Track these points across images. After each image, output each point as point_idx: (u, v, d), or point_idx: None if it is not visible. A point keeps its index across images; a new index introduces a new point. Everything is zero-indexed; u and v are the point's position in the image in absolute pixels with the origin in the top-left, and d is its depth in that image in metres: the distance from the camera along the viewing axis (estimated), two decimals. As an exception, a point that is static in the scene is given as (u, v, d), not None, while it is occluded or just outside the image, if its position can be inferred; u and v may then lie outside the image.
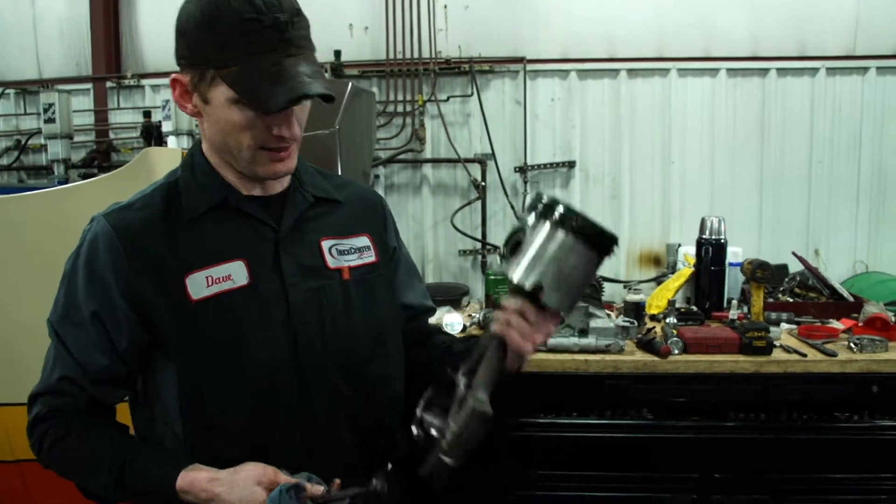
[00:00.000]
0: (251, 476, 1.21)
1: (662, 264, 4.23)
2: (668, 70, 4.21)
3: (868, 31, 4.15)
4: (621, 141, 4.27)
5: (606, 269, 4.18)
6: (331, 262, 1.40)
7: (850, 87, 4.18)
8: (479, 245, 4.31)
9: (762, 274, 2.93)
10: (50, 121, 4.18)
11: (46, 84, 4.59)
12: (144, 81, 4.56)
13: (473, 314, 3.41)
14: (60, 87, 4.47)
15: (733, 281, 3.33)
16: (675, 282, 3.45)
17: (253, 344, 1.30)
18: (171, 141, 3.87)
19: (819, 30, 4.16)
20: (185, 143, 3.83)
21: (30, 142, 4.61)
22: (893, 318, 2.84)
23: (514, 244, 1.24)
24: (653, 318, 3.23)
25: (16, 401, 2.11)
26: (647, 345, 2.76)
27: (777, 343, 2.75)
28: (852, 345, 2.71)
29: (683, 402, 2.67)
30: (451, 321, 3.09)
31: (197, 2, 1.21)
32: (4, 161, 4.67)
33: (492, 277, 3.50)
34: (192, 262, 1.29)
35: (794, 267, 3.74)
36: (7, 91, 4.71)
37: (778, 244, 4.20)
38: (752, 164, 4.25)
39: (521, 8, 4.26)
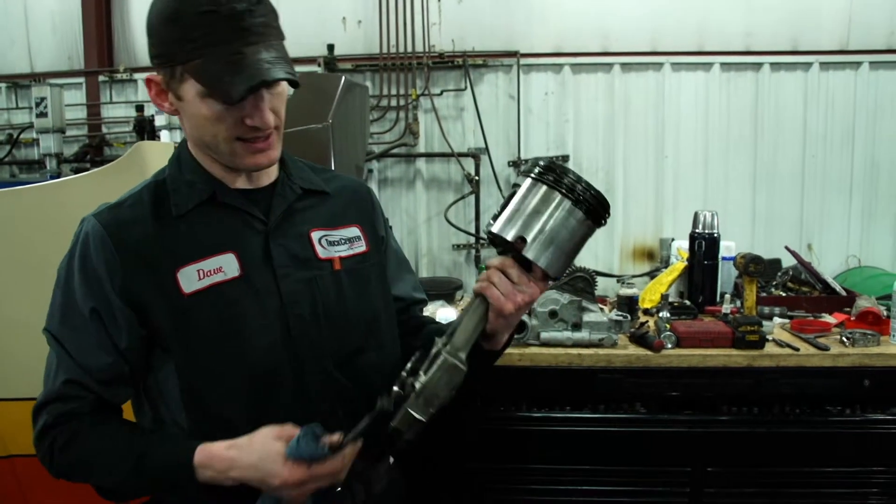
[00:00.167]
0: (269, 434, 1.21)
1: (656, 258, 4.24)
2: (661, 64, 4.22)
3: (861, 25, 4.16)
4: (615, 135, 4.28)
5: (600, 263, 4.23)
6: (321, 253, 1.39)
7: (843, 81, 4.20)
8: (472, 239, 4.31)
9: (755, 268, 2.93)
10: (42, 115, 4.17)
11: (38, 78, 4.56)
12: (137, 75, 4.55)
13: (467, 309, 3.39)
14: (52, 81, 4.46)
15: (726, 275, 3.33)
16: (668, 276, 3.45)
17: (248, 334, 1.30)
18: (164, 135, 3.87)
19: (812, 24, 4.18)
20: (178, 137, 3.82)
21: (22, 136, 4.59)
22: (885, 313, 2.84)
23: (503, 205, 1.23)
24: (646, 312, 3.23)
25: (8, 396, 2.11)
26: (640, 339, 2.76)
27: (770, 337, 2.75)
28: (844, 339, 2.71)
29: (676, 396, 2.68)
30: (445, 315, 3.08)
31: (161, 0, 1.23)
32: (-4, 155, 4.65)
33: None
34: (182, 256, 1.28)
35: (787, 261, 3.74)
36: (-1, 85, 4.69)
37: (771, 238, 4.22)
38: (746, 158, 4.26)
39: (515, 2, 4.26)
